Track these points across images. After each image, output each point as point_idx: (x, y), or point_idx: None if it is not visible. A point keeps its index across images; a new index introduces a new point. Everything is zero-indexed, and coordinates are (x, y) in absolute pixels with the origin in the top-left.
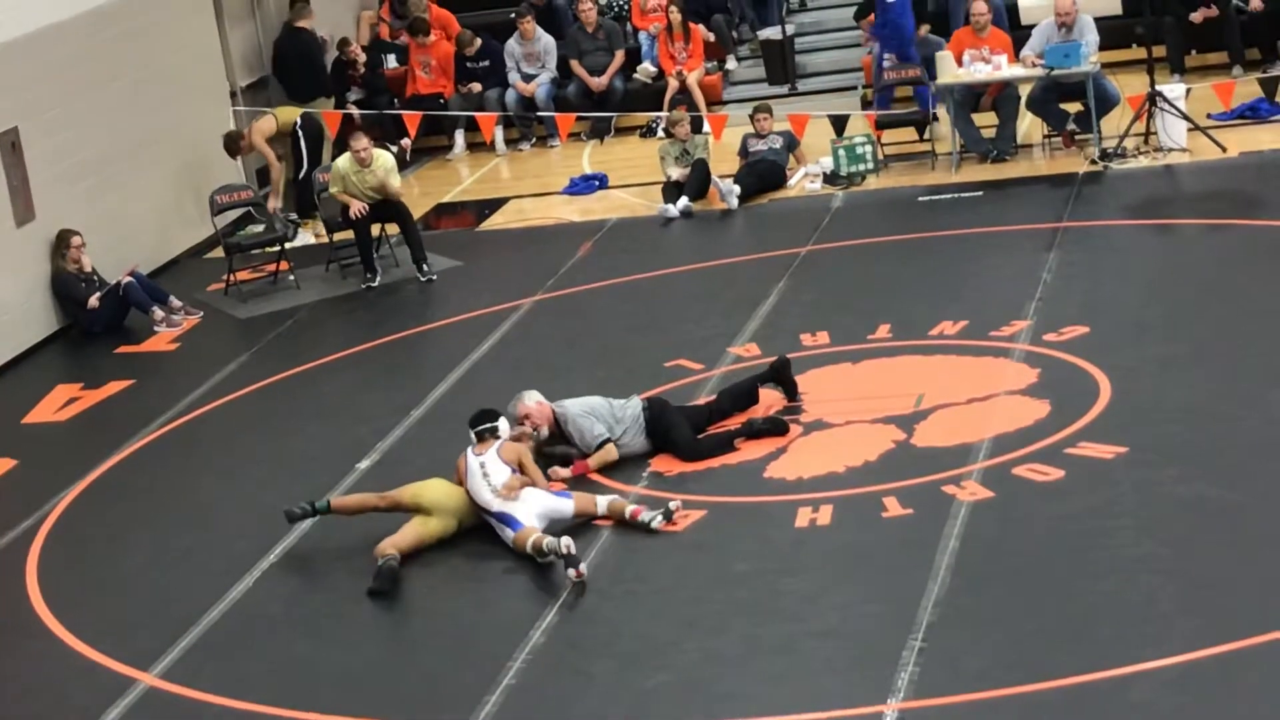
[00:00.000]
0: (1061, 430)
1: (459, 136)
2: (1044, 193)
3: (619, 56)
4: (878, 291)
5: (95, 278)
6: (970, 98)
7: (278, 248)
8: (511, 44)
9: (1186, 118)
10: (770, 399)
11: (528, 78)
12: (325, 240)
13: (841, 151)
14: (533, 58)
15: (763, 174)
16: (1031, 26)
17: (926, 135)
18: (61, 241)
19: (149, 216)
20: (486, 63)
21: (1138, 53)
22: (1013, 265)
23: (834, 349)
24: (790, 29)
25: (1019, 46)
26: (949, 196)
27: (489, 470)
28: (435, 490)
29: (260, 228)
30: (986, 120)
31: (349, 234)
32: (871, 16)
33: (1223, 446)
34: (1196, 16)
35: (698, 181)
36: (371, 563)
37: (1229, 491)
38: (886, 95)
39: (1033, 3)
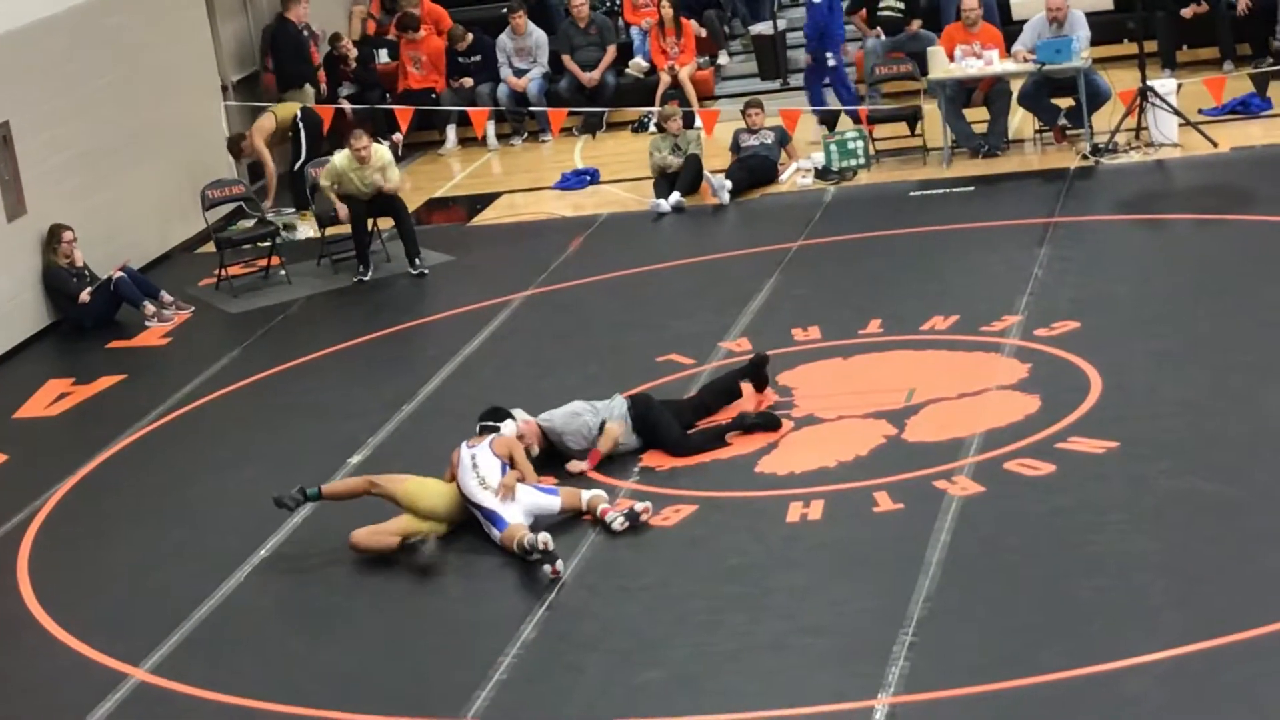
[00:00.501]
0: (1052, 425)
1: (451, 131)
2: (1035, 188)
3: (611, 51)
4: (869, 286)
5: (86, 273)
6: (962, 93)
7: (269, 242)
8: (503, 39)
9: (1178, 113)
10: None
11: (519, 72)
12: (319, 234)
13: (833, 146)
14: (524, 52)
15: (754, 169)
16: (1023, 22)
17: (918, 130)
18: (53, 236)
19: (141, 211)
20: (478, 57)
21: (1129, 48)
22: (1004, 260)
23: (825, 344)
24: (782, 24)
25: (1010, 41)
26: (940, 192)
27: (479, 462)
28: (430, 498)
29: (252, 222)
30: (978, 115)
31: (341, 229)
32: (865, 11)
33: (1214, 441)
34: (1187, 12)
35: (689, 176)
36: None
37: (1220, 486)
38: (816, 91)
39: None
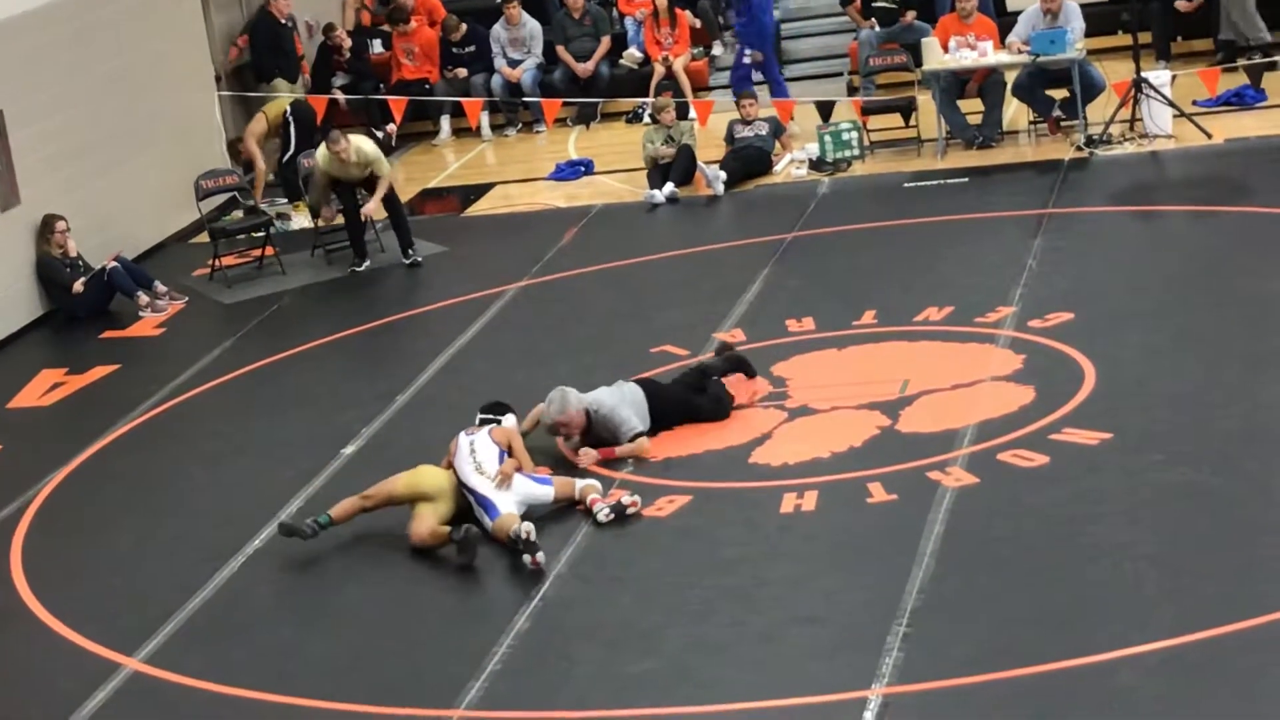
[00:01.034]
0: (1046, 416)
1: (445, 122)
2: (1030, 179)
3: (605, 42)
4: (863, 277)
5: (80, 262)
6: (956, 84)
7: (263, 233)
8: (497, 29)
9: (1172, 104)
10: (754, 384)
11: (513, 63)
12: (313, 225)
13: (827, 137)
14: (518, 43)
15: (748, 160)
16: (1017, 13)
17: (912, 122)
18: (46, 226)
19: (134, 201)
20: (472, 48)
21: (1123, 39)
22: (998, 252)
23: (819, 335)
24: (776, 14)
25: (1005, 33)
26: (934, 183)
27: (477, 448)
28: (431, 476)
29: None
30: (972, 107)
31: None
32: (859, 2)
33: (1207, 432)
34: (1182, 5)
35: (683, 167)
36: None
37: (1213, 477)
38: (743, 82)
39: None
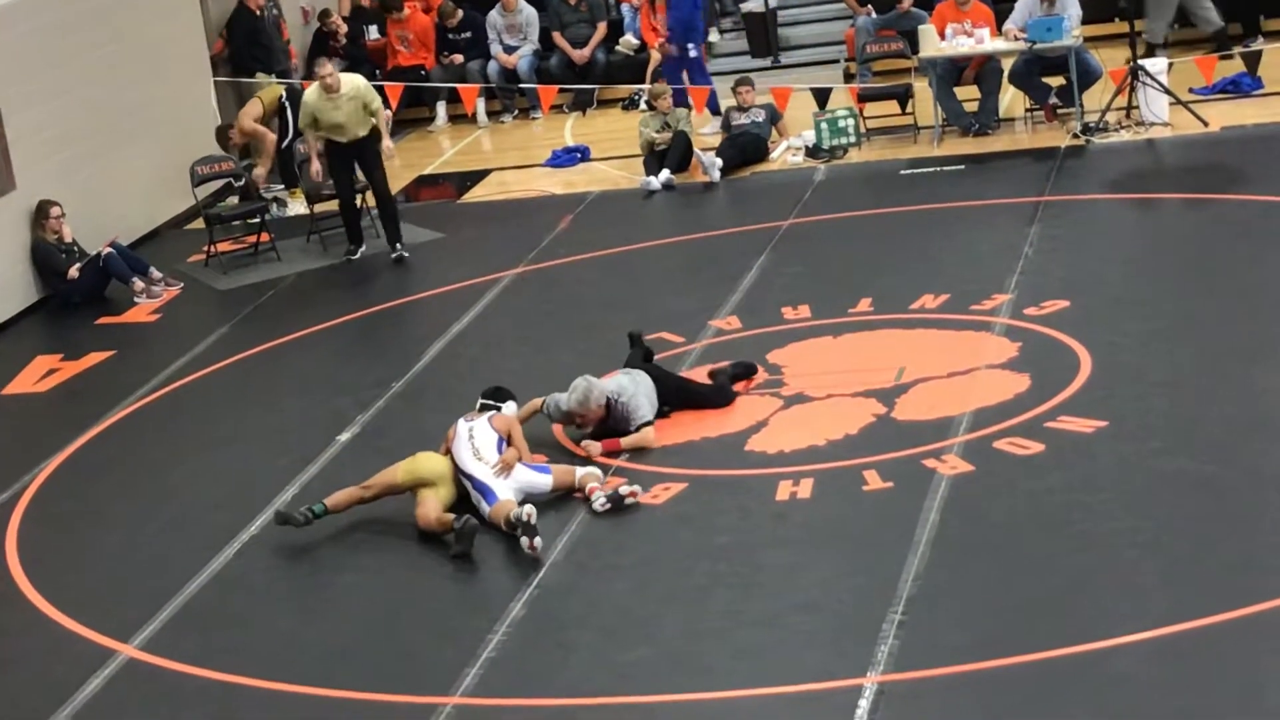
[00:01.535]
0: (1042, 404)
1: (441, 108)
2: (1026, 167)
3: (601, 28)
4: (859, 265)
5: (75, 248)
6: (952, 71)
7: (258, 219)
8: (493, 15)
9: (1168, 92)
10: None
11: (510, 49)
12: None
13: (824, 125)
14: (515, 29)
15: (745, 147)
16: (1014, 0)
17: (909, 109)
18: (40, 212)
19: (130, 187)
20: (468, 34)
21: (1120, 27)
22: (994, 239)
23: (815, 322)
24: (773, 1)
25: (1001, 20)
26: (931, 170)
27: (475, 434)
28: (430, 462)
29: (241, 199)
30: (969, 94)
31: (330, 205)
32: None
33: (1203, 421)
34: None
35: (679, 154)
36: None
37: (1209, 466)
38: (672, 74)
39: None
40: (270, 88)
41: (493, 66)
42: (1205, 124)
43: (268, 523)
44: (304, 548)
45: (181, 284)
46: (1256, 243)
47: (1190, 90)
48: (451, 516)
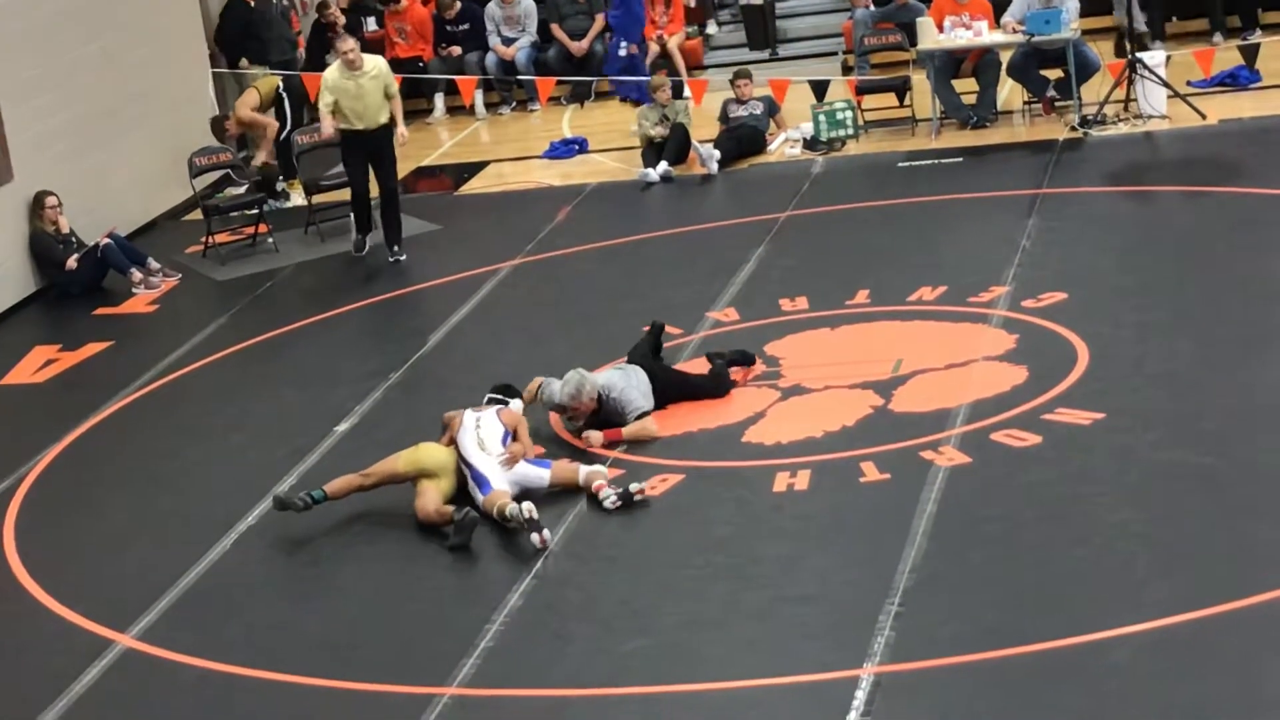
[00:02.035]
0: (1039, 396)
1: (439, 100)
2: (1024, 159)
3: (599, 20)
4: (857, 257)
5: (73, 239)
6: (951, 64)
7: (256, 210)
8: (492, 7)
9: (1166, 85)
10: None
11: (508, 41)
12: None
13: (822, 117)
14: (513, 21)
15: (742, 139)
16: None
17: (906, 101)
18: (37, 203)
19: (128, 178)
20: (466, 26)
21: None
22: (992, 231)
23: (813, 314)
24: None
25: (1000, 13)
26: (929, 162)
27: (482, 424)
28: (432, 452)
29: (240, 190)
30: (967, 86)
31: (328, 197)
32: None
33: (1200, 413)
34: None
35: (677, 146)
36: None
37: (1206, 457)
38: (625, 68)
39: None
40: (267, 78)
41: (491, 58)
42: (1203, 117)
43: (266, 513)
44: (302, 538)
45: (179, 275)
46: (1254, 235)
47: (1188, 83)
48: (451, 509)
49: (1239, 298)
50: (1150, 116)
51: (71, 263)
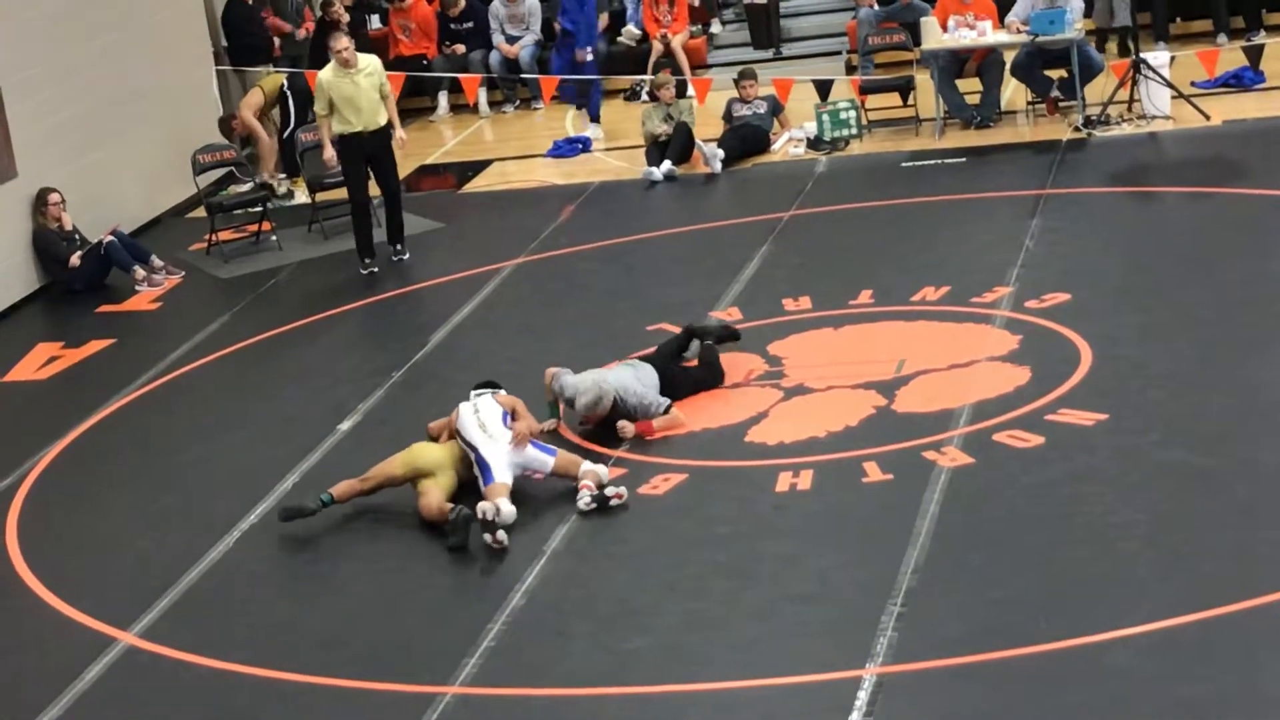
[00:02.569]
0: (1042, 397)
1: (443, 98)
2: (1027, 159)
3: (603, 19)
4: (860, 257)
5: (76, 236)
6: (955, 63)
7: (260, 208)
8: (496, 5)
9: (1171, 85)
10: (751, 363)
11: (512, 39)
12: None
13: (825, 116)
14: (517, 19)
15: (746, 138)
16: None
17: (910, 101)
18: (40, 200)
19: (131, 175)
20: (470, 24)
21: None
22: (995, 232)
23: (816, 314)
24: None
25: (1004, 13)
26: (932, 162)
27: (480, 408)
28: (426, 451)
29: (244, 187)
30: (971, 86)
31: (332, 194)
32: None
33: (1203, 414)
34: None
35: (681, 145)
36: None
37: (1208, 459)
38: (572, 76)
39: None
40: (271, 76)
41: (495, 56)
42: (1207, 118)
43: (268, 511)
44: (304, 537)
45: (183, 272)
46: (1257, 236)
47: (1192, 84)
48: (450, 506)
49: (1242, 299)
50: (1154, 117)
51: (74, 260)
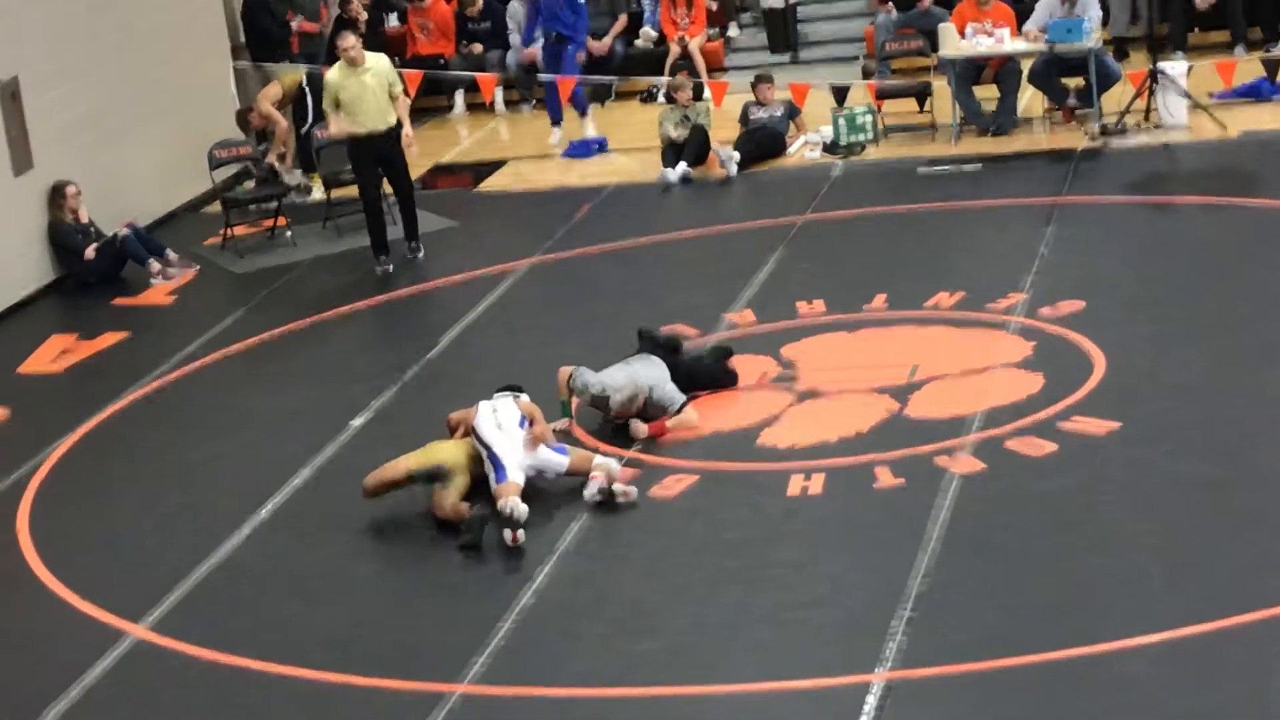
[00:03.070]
0: (1055, 404)
1: (459, 97)
2: (1043, 167)
3: (621, 20)
4: (874, 261)
5: (92, 229)
6: (972, 70)
7: (275, 204)
8: (514, 5)
9: (1188, 95)
10: (764, 366)
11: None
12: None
13: (842, 121)
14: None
15: (762, 142)
16: (1035, 0)
17: (927, 107)
18: (56, 192)
19: (148, 169)
20: (488, 24)
21: (1140, 29)
22: (1010, 239)
23: (830, 318)
24: None
25: (1022, 20)
26: (948, 168)
27: (499, 408)
28: (444, 449)
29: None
30: (987, 93)
31: (347, 191)
32: None
33: (1215, 424)
34: (1201, 2)
35: (697, 148)
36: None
37: (1220, 469)
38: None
39: None
40: (292, 73)
41: (512, 57)
42: (1224, 128)
43: (279, 506)
44: (314, 533)
45: (197, 267)
46: (1271, 247)
47: (1209, 94)
48: (467, 505)
49: (1256, 309)
50: (1171, 127)
51: (90, 253)
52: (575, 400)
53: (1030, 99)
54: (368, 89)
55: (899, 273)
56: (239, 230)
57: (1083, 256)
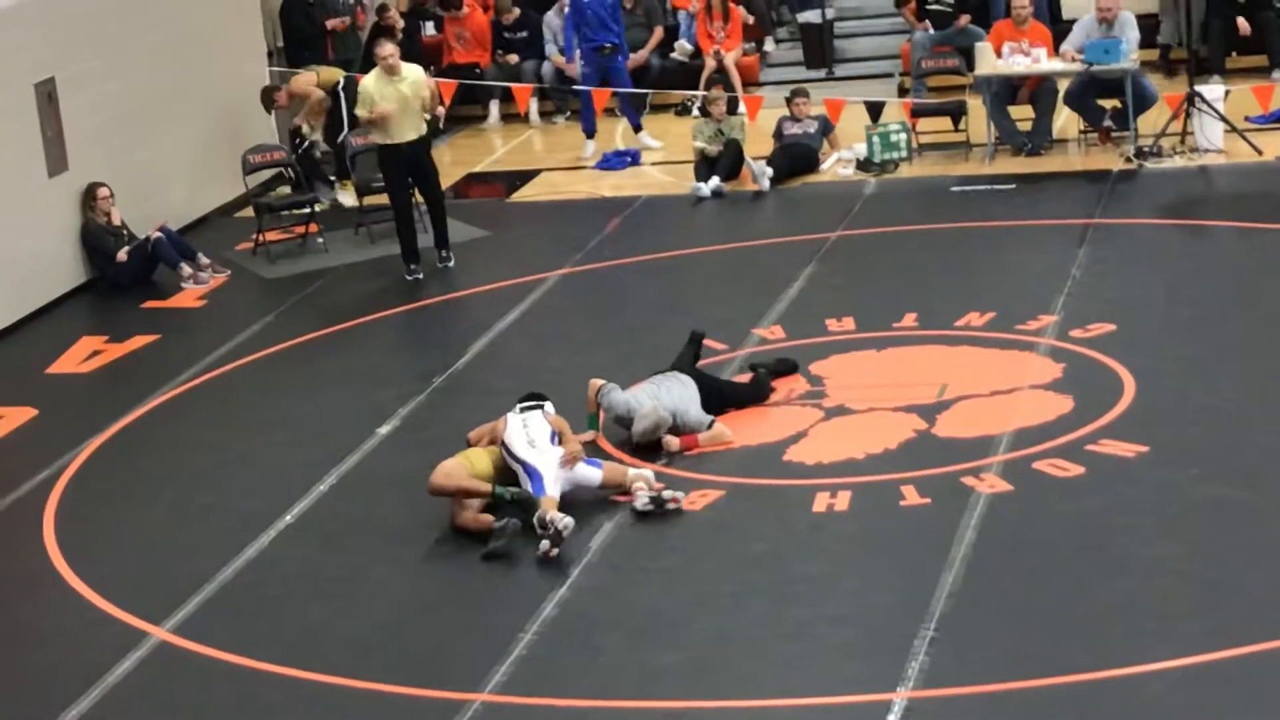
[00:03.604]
0: (1083, 426)
1: (494, 107)
2: (1077, 188)
3: (657, 33)
4: (905, 280)
5: (125, 231)
6: (1008, 90)
7: (308, 210)
8: (550, 16)
9: (1224, 119)
10: (792, 382)
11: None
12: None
13: (876, 138)
14: None
15: (796, 157)
16: (1072, 21)
17: (961, 125)
18: (89, 194)
19: (181, 172)
20: (524, 34)
21: (1178, 52)
22: (1042, 260)
23: (859, 335)
24: (830, 13)
25: (1059, 41)
26: (982, 188)
27: (529, 424)
28: (480, 460)
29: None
30: (1023, 113)
31: (379, 198)
32: (914, 4)
33: (1244, 449)
34: (1243, 26)
35: (730, 162)
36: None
37: (1248, 494)
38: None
39: None
40: (331, 70)
41: (547, 67)
42: (1260, 153)
43: (304, 511)
44: (338, 538)
45: (229, 271)
46: None
47: (1246, 119)
48: (490, 517)
49: None
50: (1206, 150)
51: (122, 255)
52: (602, 415)
53: (1065, 120)
54: (404, 97)
55: (930, 291)
56: (271, 236)
57: (1115, 279)
